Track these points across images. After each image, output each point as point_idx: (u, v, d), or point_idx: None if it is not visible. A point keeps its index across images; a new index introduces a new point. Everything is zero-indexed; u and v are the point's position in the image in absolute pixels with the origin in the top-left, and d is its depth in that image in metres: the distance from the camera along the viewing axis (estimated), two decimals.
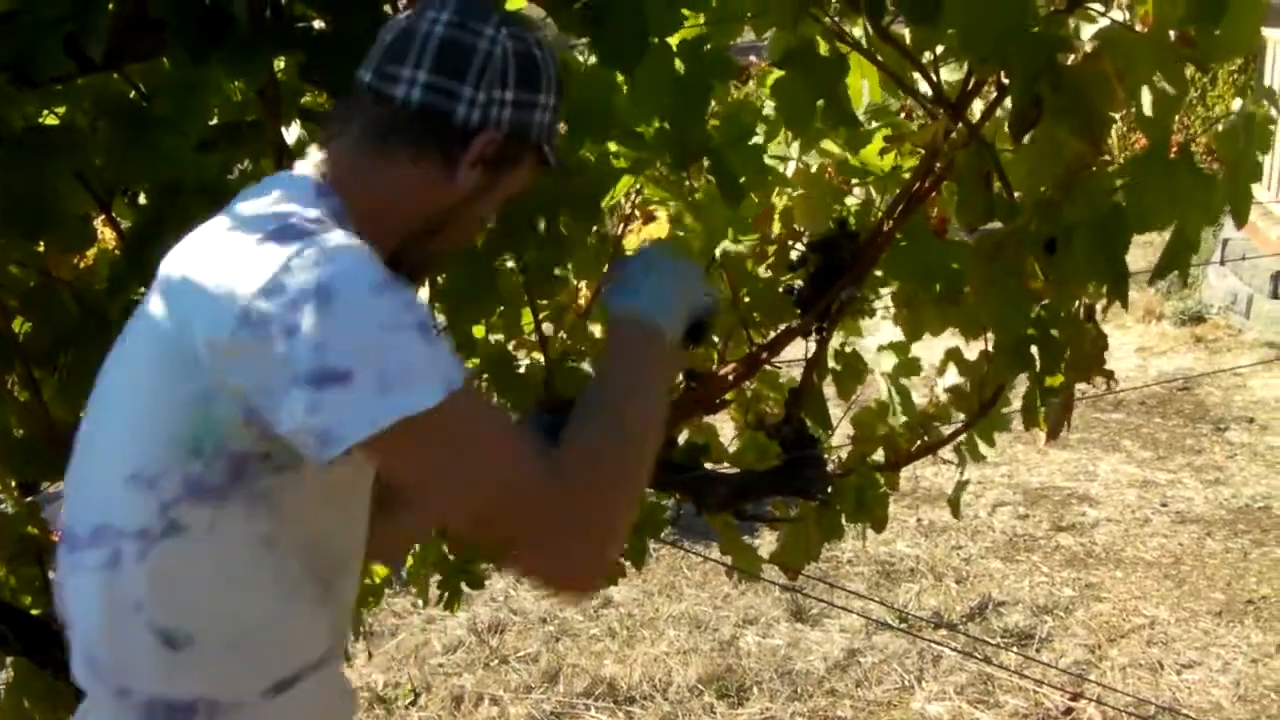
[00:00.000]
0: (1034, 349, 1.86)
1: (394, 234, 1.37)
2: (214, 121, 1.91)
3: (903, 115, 2.02)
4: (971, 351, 2.04)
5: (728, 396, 1.96)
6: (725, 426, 2.16)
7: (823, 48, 1.68)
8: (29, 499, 2.12)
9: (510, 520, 1.20)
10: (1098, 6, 1.80)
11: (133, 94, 1.81)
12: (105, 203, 1.84)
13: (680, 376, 1.90)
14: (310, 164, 1.35)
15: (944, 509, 5.51)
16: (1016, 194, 1.77)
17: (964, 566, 4.95)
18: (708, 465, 2.00)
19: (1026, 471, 5.91)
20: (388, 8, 1.63)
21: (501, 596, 4.87)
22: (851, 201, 1.98)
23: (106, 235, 2.02)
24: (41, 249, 1.89)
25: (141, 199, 1.91)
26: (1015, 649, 4.28)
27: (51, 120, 1.88)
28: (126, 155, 1.76)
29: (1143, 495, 5.59)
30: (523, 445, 1.23)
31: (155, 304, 1.28)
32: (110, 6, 1.56)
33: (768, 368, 2.00)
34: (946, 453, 2.16)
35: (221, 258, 1.21)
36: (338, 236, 1.20)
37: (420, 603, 4.70)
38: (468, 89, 1.30)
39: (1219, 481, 5.71)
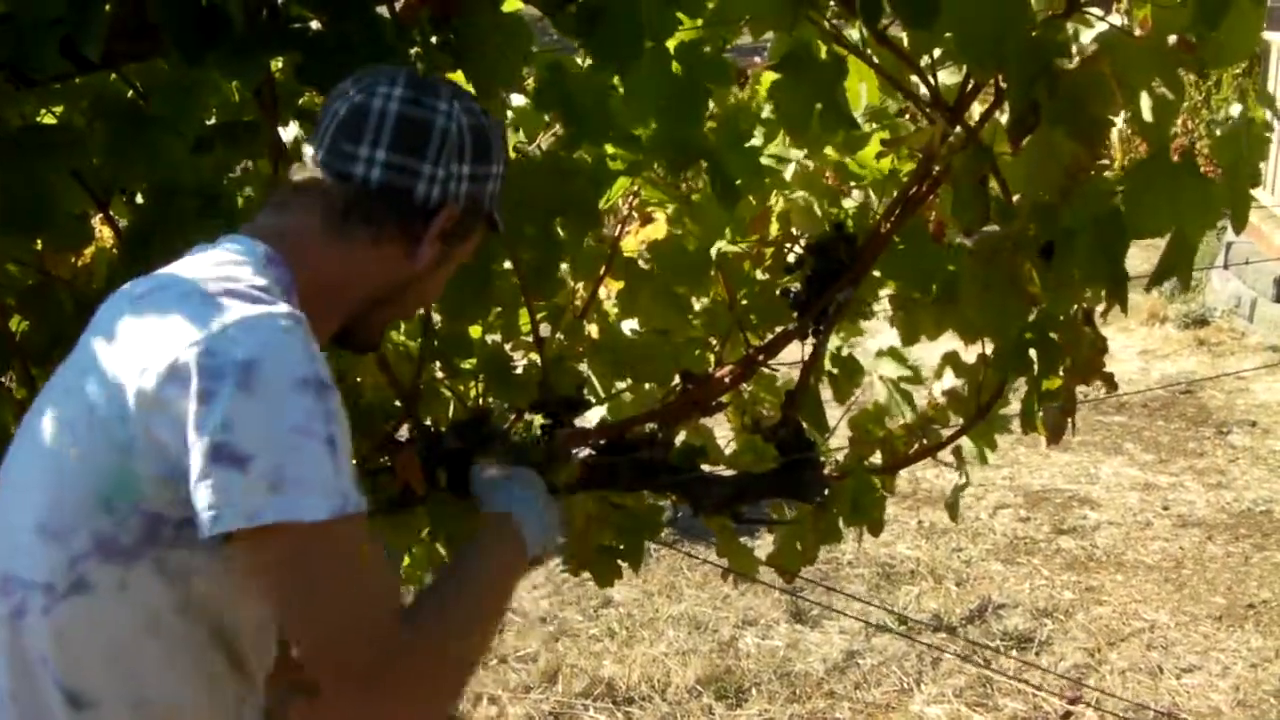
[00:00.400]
0: (1031, 353, 1.86)
1: (344, 308, 1.38)
2: (213, 121, 1.92)
3: (906, 117, 2.01)
4: (970, 355, 2.04)
5: (724, 399, 1.95)
6: (725, 429, 2.15)
7: (820, 51, 1.68)
8: None
9: (347, 658, 1.15)
10: (1096, 11, 1.80)
11: (131, 94, 1.81)
12: (103, 202, 1.85)
13: (677, 379, 1.91)
14: (261, 230, 1.33)
15: (944, 510, 5.48)
16: (1015, 197, 1.77)
17: (964, 569, 4.94)
18: (705, 467, 2.00)
19: (1028, 474, 5.90)
20: (383, 10, 1.64)
21: None
22: (849, 204, 1.98)
23: (105, 234, 2.02)
24: (39, 247, 1.89)
25: (139, 199, 1.91)
26: (1014, 652, 4.27)
27: (49, 120, 1.88)
28: (124, 155, 1.76)
29: (1144, 498, 5.58)
30: (390, 594, 1.23)
31: (89, 349, 1.25)
32: (106, 7, 1.56)
33: (765, 370, 2.00)
34: (950, 455, 2.15)
35: (162, 311, 1.20)
36: (280, 313, 1.18)
37: None
38: (427, 166, 1.31)
39: (1221, 485, 5.70)
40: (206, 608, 1.23)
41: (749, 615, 4.60)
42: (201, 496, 1.11)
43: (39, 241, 1.85)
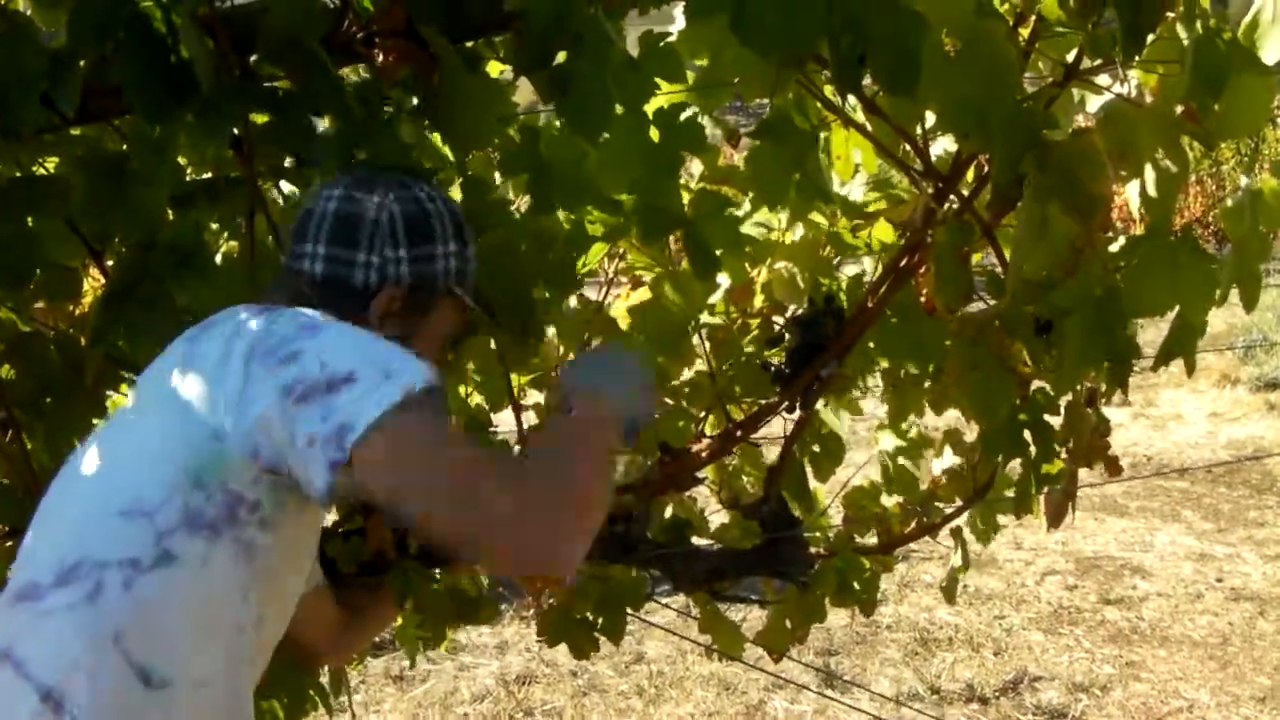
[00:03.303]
0: (1027, 434, 1.78)
1: None
2: (207, 175, 1.91)
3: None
4: (973, 432, 1.96)
5: (706, 473, 1.89)
6: (716, 503, 2.09)
7: (798, 119, 1.62)
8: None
9: (492, 490, 1.24)
10: (1104, 80, 1.73)
11: (125, 147, 1.80)
12: (98, 252, 1.84)
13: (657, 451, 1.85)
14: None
15: (990, 575, 5.37)
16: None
17: (1004, 637, 4.79)
18: (695, 540, 1.94)
19: (1082, 539, 5.75)
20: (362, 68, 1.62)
21: (536, 647, 4.81)
22: (843, 276, 1.91)
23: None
24: (34, 291, 1.89)
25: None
26: None
27: (43, 172, 1.88)
28: (105, 210, 1.76)
29: (1198, 569, 5.40)
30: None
31: (172, 359, 1.36)
32: (82, 64, 1.57)
33: (749, 445, 1.93)
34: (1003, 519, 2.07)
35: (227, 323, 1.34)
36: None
37: (454, 649, 4.69)
38: (361, 254, 1.46)
39: (1279, 557, 5.49)
40: (261, 595, 1.36)
41: (779, 679, 4.49)
42: (331, 426, 1.22)
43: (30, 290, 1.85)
